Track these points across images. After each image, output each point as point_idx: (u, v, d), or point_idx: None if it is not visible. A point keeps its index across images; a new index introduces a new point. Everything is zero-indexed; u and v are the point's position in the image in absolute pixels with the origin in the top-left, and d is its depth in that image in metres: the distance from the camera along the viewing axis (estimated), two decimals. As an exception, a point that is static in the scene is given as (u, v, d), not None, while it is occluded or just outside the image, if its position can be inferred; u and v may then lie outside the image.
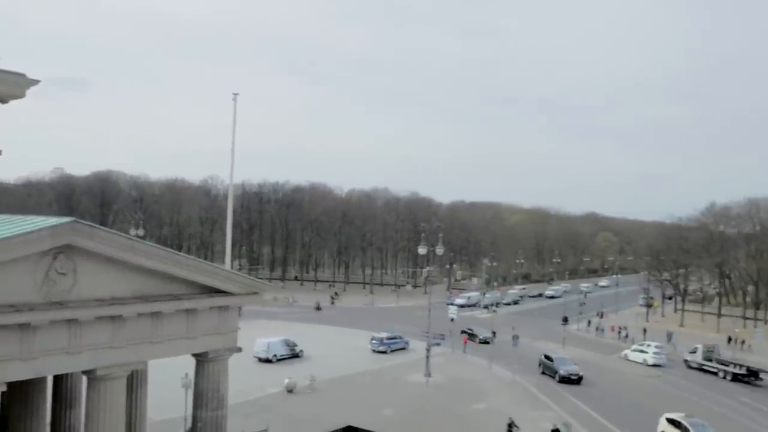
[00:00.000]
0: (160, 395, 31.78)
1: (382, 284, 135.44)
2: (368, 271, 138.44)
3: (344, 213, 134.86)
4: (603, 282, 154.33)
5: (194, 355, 21.28)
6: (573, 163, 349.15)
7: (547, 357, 57.70)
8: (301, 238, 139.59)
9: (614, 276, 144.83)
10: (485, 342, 67.83)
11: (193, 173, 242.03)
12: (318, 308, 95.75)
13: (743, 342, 74.84)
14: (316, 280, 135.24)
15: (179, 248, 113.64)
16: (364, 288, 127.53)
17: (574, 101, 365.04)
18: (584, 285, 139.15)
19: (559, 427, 36.14)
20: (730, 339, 77.18)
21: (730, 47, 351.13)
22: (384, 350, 62.56)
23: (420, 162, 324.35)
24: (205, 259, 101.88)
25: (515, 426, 35.78)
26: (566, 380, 53.53)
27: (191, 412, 22.15)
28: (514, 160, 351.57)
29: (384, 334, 64.82)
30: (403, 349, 64.11)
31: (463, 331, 69.82)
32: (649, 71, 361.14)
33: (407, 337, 65.99)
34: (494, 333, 66.92)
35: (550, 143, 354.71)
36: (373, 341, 63.65)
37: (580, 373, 54.36)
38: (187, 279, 19.79)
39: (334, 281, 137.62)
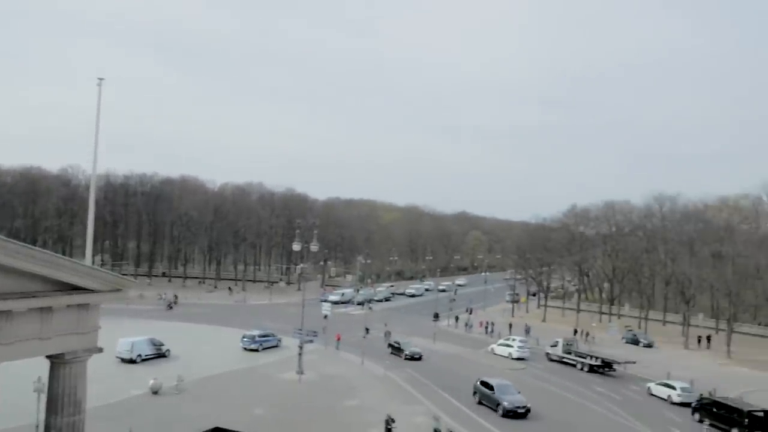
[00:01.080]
0: (9, 401, 29.26)
1: (255, 281, 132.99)
2: (240, 268, 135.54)
3: (216, 207, 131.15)
4: (460, 280, 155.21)
5: (49, 356, 19.67)
6: (447, 162, 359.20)
7: (484, 384, 47.30)
8: (170, 232, 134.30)
9: (484, 273, 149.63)
10: (414, 358, 61.23)
11: (51, 161, 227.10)
12: (170, 307, 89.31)
13: (587, 334, 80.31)
14: (185, 277, 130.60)
15: (34, 242, 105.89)
16: (236, 285, 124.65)
17: (451, 102, 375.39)
18: (444, 283, 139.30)
19: (432, 421, 36.73)
20: (576, 331, 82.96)
21: (599, 59, 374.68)
22: (255, 348, 61.29)
23: (297, 157, 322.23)
24: (64, 254, 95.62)
25: (393, 421, 35.98)
26: (511, 414, 43.47)
27: (44, 419, 20.45)
28: (391, 159, 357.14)
29: (256, 332, 63.50)
30: (276, 346, 63.12)
31: (389, 345, 64.63)
32: (525, 76, 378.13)
33: (280, 334, 65.02)
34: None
35: (426, 142, 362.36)
36: (245, 339, 62.20)
37: (528, 405, 44.46)
38: (42, 275, 18.20)
39: (205, 278, 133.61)
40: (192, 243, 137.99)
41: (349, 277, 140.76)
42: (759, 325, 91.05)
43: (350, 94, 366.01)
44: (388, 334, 60.04)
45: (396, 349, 62.83)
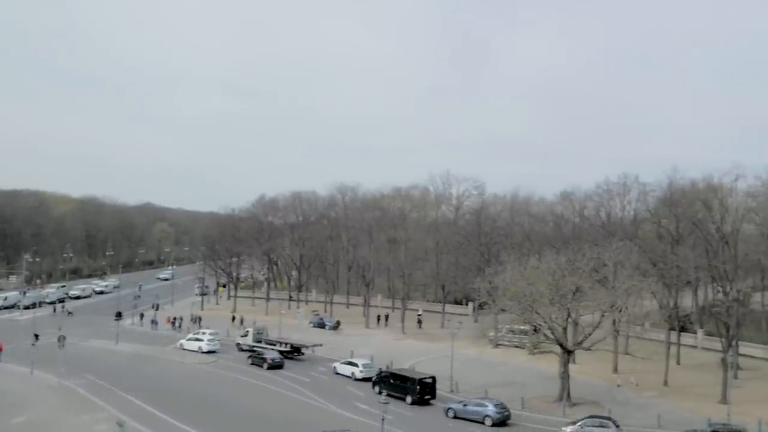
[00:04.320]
0: None
1: None
2: None
3: None
4: (110, 280, 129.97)
5: None
6: (128, 151, 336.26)
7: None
8: None
9: (171, 266, 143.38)
10: (275, 365, 59.32)
11: None
12: None
13: (242, 321, 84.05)
14: None
15: None
16: None
17: (134, 86, 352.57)
18: (81, 286, 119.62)
19: (116, 426, 33.57)
20: (234, 318, 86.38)
21: (283, 51, 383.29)
22: None
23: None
24: None
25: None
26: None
27: None
28: (63, 145, 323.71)
29: None
30: None
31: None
32: (210, 65, 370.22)
33: None
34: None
35: (106, 128, 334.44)
36: None
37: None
38: None
39: None
40: None
41: (14, 279, 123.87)
42: (428, 301, 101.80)
43: (17, 70, 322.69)
44: (62, 338, 53.71)
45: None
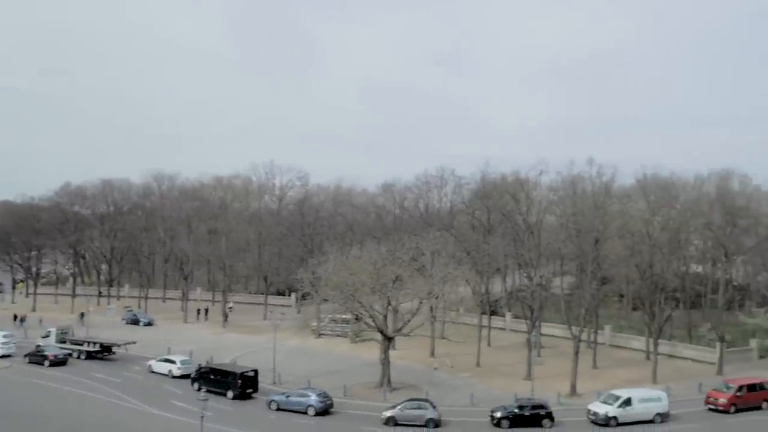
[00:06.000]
0: None
1: None
2: None
3: None
4: None
5: None
6: None
7: None
8: None
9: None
10: (57, 362, 56.69)
11: None
12: None
13: (22, 320, 76.80)
14: None
15: None
16: None
17: None
18: None
19: None
20: (15, 317, 78.42)
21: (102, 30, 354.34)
22: None
23: None
24: None
25: None
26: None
27: None
28: None
29: None
30: None
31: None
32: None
33: None
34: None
35: None
36: None
37: None
38: None
39: None
40: None
41: None
42: (250, 293, 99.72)
43: None
44: None
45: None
